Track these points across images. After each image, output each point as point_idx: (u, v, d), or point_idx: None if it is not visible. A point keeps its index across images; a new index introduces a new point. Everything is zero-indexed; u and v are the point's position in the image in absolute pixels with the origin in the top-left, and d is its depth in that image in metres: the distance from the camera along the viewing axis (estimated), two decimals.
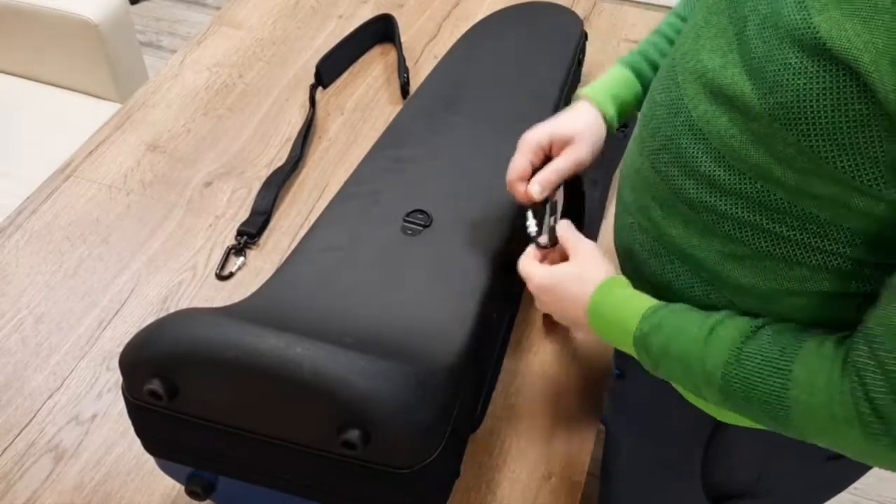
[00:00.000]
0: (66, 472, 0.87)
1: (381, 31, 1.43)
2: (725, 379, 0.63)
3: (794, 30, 0.55)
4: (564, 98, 1.17)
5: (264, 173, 1.19)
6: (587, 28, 1.36)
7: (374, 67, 1.39)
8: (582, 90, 0.86)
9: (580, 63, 1.30)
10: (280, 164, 1.19)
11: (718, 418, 0.77)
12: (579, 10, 1.44)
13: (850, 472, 0.83)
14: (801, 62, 0.54)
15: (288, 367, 0.65)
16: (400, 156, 1.02)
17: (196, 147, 1.23)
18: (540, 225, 0.82)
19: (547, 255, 0.80)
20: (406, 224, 0.91)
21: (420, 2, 1.51)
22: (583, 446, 0.91)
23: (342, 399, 0.64)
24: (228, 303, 0.96)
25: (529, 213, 0.82)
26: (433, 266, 0.87)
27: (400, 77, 1.33)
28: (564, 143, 0.82)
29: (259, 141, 1.24)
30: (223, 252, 1.09)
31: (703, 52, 0.63)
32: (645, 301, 0.70)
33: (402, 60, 1.35)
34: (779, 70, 0.56)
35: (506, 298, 0.97)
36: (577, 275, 0.74)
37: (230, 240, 1.10)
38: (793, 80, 0.55)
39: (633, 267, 0.76)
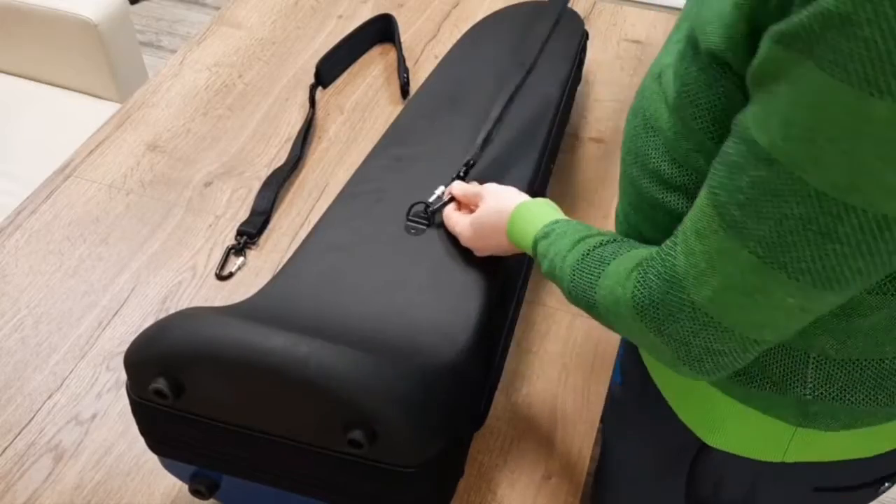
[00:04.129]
0: (65, 472, 0.87)
1: (381, 30, 1.43)
2: (572, 279, 0.68)
3: (690, 20, 0.58)
4: (566, 97, 1.17)
5: (264, 173, 1.18)
6: (587, 28, 1.36)
7: (374, 67, 1.39)
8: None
9: (581, 62, 1.30)
10: (280, 164, 1.19)
11: (704, 440, 0.77)
12: (579, 10, 1.44)
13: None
14: (686, 48, 0.58)
15: (294, 365, 0.64)
16: (402, 154, 1.02)
17: (196, 147, 1.23)
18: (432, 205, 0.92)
19: (459, 206, 0.90)
20: (409, 223, 0.91)
21: (420, 2, 1.51)
22: (582, 446, 0.91)
23: (348, 398, 0.64)
24: (228, 303, 0.96)
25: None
26: (436, 265, 0.87)
27: (400, 77, 1.33)
28: None
29: (259, 141, 1.24)
30: (223, 252, 1.08)
31: (665, 55, 0.65)
32: (549, 215, 0.77)
33: (401, 60, 1.35)
34: (679, 61, 0.59)
35: (508, 297, 0.97)
36: (494, 209, 0.83)
37: (230, 240, 1.10)
38: (681, 65, 0.58)
39: None
